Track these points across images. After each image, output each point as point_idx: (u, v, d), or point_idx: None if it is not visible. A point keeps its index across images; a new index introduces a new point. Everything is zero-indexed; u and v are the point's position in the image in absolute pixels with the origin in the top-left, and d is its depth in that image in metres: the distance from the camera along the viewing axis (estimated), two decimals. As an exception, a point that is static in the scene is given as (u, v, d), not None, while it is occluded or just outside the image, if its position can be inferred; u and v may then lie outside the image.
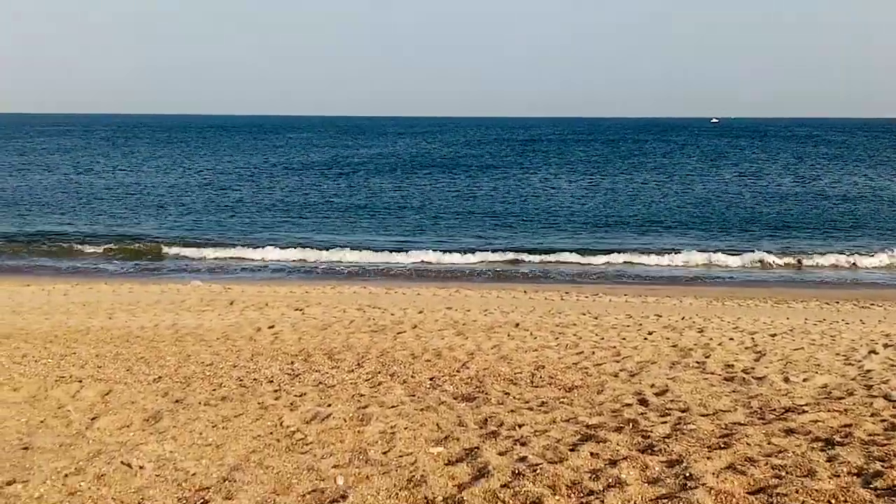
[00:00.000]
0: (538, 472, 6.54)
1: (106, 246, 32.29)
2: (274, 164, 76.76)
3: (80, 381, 10.08)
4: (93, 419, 8.38)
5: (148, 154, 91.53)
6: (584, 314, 16.45)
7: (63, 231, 36.22)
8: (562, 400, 9.08)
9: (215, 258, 30.41)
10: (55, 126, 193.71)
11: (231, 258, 30.48)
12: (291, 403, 8.95)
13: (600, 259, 29.90)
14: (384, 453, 7.14)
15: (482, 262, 29.77)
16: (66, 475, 6.68)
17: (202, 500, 6.14)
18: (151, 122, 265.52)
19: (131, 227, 37.43)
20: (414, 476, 6.57)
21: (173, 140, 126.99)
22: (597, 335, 13.74)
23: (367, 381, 10.13)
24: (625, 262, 29.66)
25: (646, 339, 13.45)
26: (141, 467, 6.81)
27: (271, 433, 7.83)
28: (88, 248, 32.03)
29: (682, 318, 16.09)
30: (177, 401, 9.14)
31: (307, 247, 31.86)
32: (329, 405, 8.84)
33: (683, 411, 8.48)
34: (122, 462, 6.94)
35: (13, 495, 6.27)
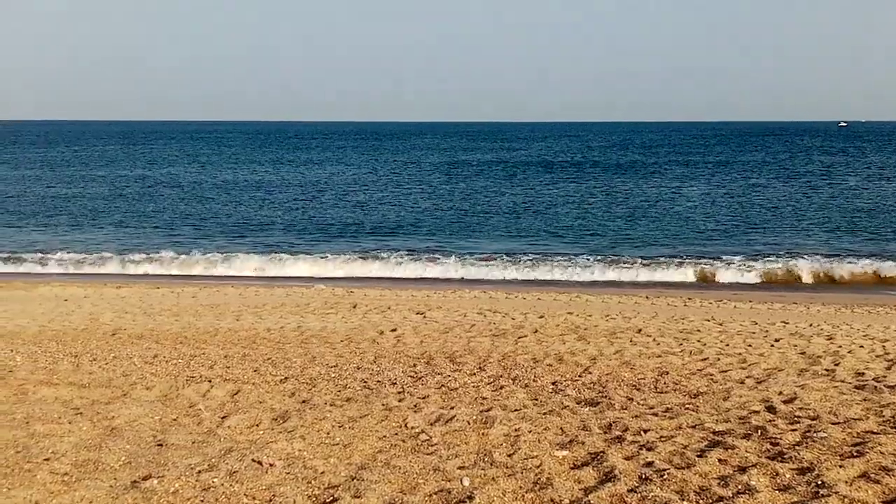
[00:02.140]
0: (665, 477, 6.48)
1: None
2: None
3: (210, 381, 10.34)
4: (223, 418, 8.59)
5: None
6: (709, 320, 16.21)
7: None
8: (687, 406, 8.96)
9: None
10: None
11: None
12: (415, 405, 9.03)
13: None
14: (509, 455, 7.15)
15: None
16: (199, 471, 6.86)
17: (331, 498, 6.25)
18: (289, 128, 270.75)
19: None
20: (540, 479, 6.57)
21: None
22: (721, 341, 13.52)
23: (489, 384, 10.16)
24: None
25: (772, 345, 13.18)
26: (271, 465, 6.96)
27: (396, 434, 7.91)
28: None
29: (810, 325, 15.73)
30: (303, 401, 9.30)
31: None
32: (452, 407, 8.88)
33: (813, 419, 8.28)
34: (252, 459, 7.10)
35: (149, 490, 6.47)
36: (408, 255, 32.00)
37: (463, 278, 27.68)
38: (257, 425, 8.30)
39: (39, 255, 32.56)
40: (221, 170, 79.17)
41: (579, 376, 10.60)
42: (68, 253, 32.69)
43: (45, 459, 7.19)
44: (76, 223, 41.93)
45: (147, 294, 20.97)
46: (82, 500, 6.29)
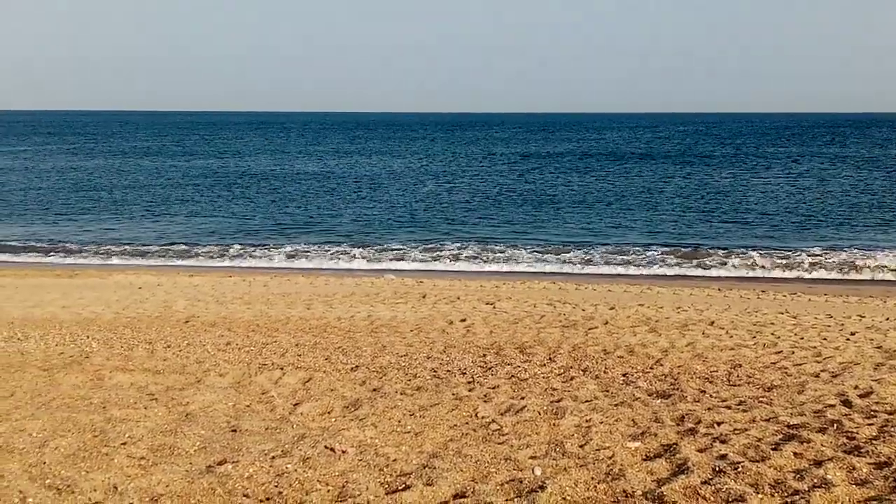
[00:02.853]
0: (740, 470, 6.41)
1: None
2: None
3: (282, 369, 10.44)
4: (295, 405, 8.67)
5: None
6: (782, 313, 15.97)
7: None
8: (761, 399, 8.85)
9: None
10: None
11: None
12: (485, 395, 9.03)
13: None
14: (581, 446, 7.13)
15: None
16: (273, 457, 6.93)
17: (404, 486, 6.27)
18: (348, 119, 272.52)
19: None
20: (612, 469, 6.54)
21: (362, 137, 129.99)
22: (796, 334, 13.31)
23: (559, 375, 10.13)
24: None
25: (848, 339, 12.94)
26: (344, 452, 7.01)
27: (467, 423, 7.92)
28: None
29: (887, 319, 15.42)
30: (374, 389, 9.36)
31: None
32: (523, 398, 8.87)
33: (891, 413, 8.13)
34: (325, 446, 7.15)
35: (224, 475, 6.55)
36: (476, 244, 32.06)
37: (532, 269, 27.58)
38: (329, 413, 8.37)
39: (110, 245, 33.18)
40: (292, 160, 79.86)
41: (651, 368, 10.52)
42: (137, 245, 33.25)
43: (123, 444, 7.32)
44: (149, 212, 42.56)
45: (219, 282, 21.22)
46: (159, 484, 6.39)
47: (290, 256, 30.48)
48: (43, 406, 8.67)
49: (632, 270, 27.49)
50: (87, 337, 12.81)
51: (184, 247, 32.51)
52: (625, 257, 29.33)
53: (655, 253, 29.89)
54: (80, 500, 6.15)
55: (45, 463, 6.87)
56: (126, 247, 32.58)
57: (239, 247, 32.21)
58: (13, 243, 33.43)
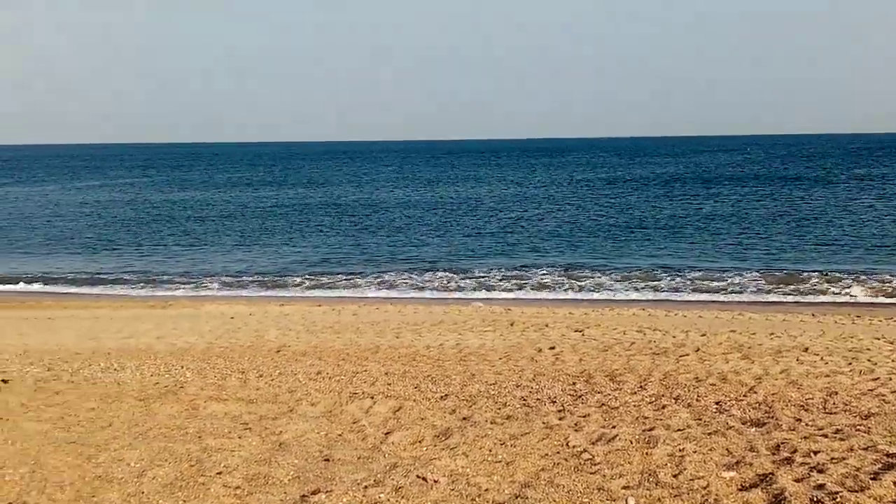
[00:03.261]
0: (838, 500, 6.29)
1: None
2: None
3: (372, 398, 10.50)
4: (386, 434, 8.72)
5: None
6: (878, 338, 15.61)
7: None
8: (858, 427, 8.65)
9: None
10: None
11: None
12: (576, 424, 8.98)
13: None
14: (674, 476, 7.05)
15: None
16: (365, 486, 6.98)
17: (496, 516, 6.28)
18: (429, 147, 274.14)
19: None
20: (707, 500, 6.46)
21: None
22: (893, 360, 12.98)
23: (650, 403, 10.02)
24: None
25: (950, 365, 12.61)
26: (436, 481, 7.03)
27: (558, 452, 7.88)
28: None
29: None
30: (464, 418, 9.36)
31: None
32: (614, 426, 8.80)
33: None
34: (417, 475, 7.18)
35: (318, 504, 6.63)
36: (563, 271, 31.98)
37: (621, 297, 27.37)
38: (420, 442, 8.39)
39: (203, 276, 33.82)
40: (379, 189, 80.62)
41: (744, 396, 10.35)
42: (228, 277, 33.82)
43: (218, 473, 7.43)
44: (240, 243, 43.26)
45: (309, 312, 21.45)
46: (254, 513, 6.48)
47: (378, 285, 30.69)
48: (140, 436, 8.85)
49: (722, 297, 27.11)
50: (182, 367, 13.05)
51: (274, 277, 32.99)
52: (715, 283, 28.98)
53: (746, 278, 29.47)
54: (177, 530, 6.27)
55: (143, 492, 7.01)
56: (218, 277, 33.17)
57: (327, 277, 32.58)
58: (108, 275, 34.23)
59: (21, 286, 32.24)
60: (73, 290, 31.19)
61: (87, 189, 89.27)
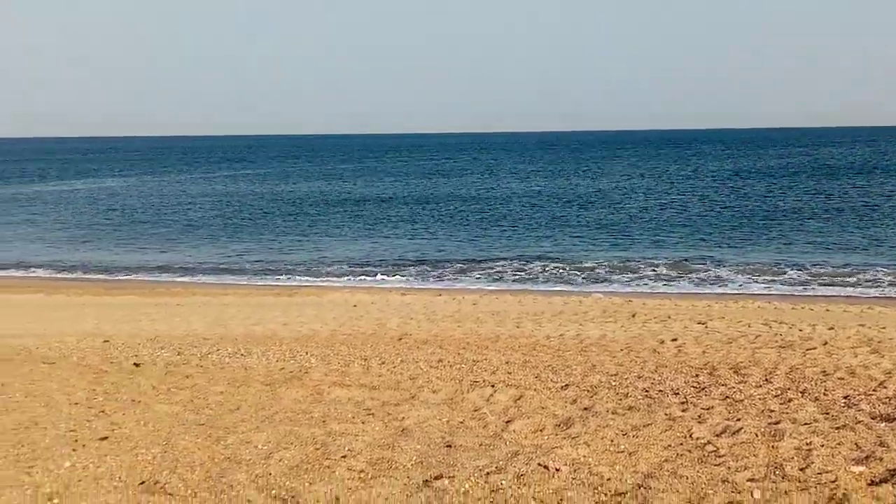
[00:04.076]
0: (974, 498, 6.10)
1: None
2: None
3: (493, 386, 10.54)
4: (507, 422, 8.74)
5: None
6: None
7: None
8: None
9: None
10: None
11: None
12: (699, 416, 8.86)
13: None
14: (801, 469, 6.91)
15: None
16: (487, 473, 7.02)
17: (619, 505, 6.25)
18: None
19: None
20: (835, 494, 6.32)
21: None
22: None
23: (776, 397, 9.82)
24: None
25: None
26: (557, 470, 7.03)
27: (681, 444, 7.80)
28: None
29: None
30: (585, 408, 9.33)
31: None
32: (738, 419, 8.66)
33: None
34: (539, 463, 7.19)
35: (441, 489, 6.68)
36: (686, 262, 31.61)
37: (745, 291, 26.87)
38: (541, 430, 8.40)
39: (325, 265, 34.39)
40: (499, 181, 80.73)
41: (873, 391, 10.08)
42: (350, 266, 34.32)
43: (343, 457, 7.56)
44: (362, 232, 43.82)
45: (430, 301, 21.62)
46: (378, 497, 6.57)
47: (493, 277, 30.74)
48: (266, 419, 9.06)
49: (850, 290, 26.41)
50: (306, 353, 13.30)
51: (391, 266, 33.34)
52: (843, 277, 28.27)
53: (877, 273, 28.66)
54: (304, 511, 6.40)
55: (270, 474, 7.17)
56: (340, 266, 33.68)
57: (444, 267, 32.77)
58: (234, 264, 35.06)
59: (149, 275, 33.22)
60: (201, 278, 31.99)
61: (219, 180, 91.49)
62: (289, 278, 31.61)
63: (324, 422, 8.85)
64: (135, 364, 12.54)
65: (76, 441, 8.32)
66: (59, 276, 33.21)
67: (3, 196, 73.08)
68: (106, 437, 8.43)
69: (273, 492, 6.77)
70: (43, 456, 7.83)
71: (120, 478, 7.19)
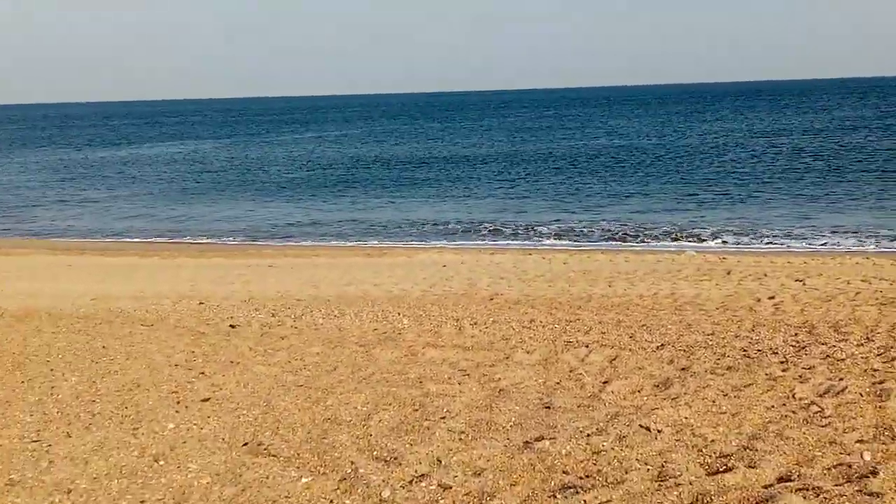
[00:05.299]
0: None
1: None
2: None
3: (587, 346, 10.46)
4: (604, 383, 8.68)
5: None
6: None
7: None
8: None
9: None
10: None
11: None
12: (800, 376, 8.70)
13: None
14: (911, 431, 6.75)
15: None
16: (588, 434, 6.98)
17: (725, 467, 6.15)
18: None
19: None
20: (949, 456, 6.16)
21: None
22: None
23: (879, 355, 9.58)
24: None
25: None
26: (659, 431, 6.95)
27: (784, 405, 7.66)
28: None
29: None
30: (683, 368, 9.22)
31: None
32: (841, 379, 8.47)
33: None
34: (640, 425, 7.12)
35: (542, 451, 6.66)
36: (778, 220, 31.04)
37: (840, 248, 26.30)
38: (639, 391, 8.32)
39: (416, 227, 34.43)
40: (587, 136, 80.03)
41: (982, 348, 9.80)
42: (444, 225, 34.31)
43: (441, 418, 7.58)
44: (443, 193, 43.84)
45: (520, 260, 21.53)
46: (480, 458, 6.57)
47: (585, 235, 30.48)
48: (364, 380, 9.12)
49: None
50: (399, 314, 13.34)
51: (478, 225, 33.22)
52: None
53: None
54: (407, 472, 6.42)
55: (371, 435, 7.22)
56: (427, 226, 33.73)
57: (534, 226, 32.59)
58: (328, 226, 35.30)
59: (242, 236, 33.63)
60: (293, 241, 32.28)
61: (304, 141, 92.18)
62: (379, 239, 31.72)
63: (420, 383, 8.88)
64: (231, 326, 12.72)
65: (178, 402, 8.48)
66: (152, 240, 33.73)
67: (92, 160, 74.55)
68: (207, 399, 8.57)
69: (375, 453, 6.82)
70: (147, 417, 7.99)
71: (224, 439, 7.31)
